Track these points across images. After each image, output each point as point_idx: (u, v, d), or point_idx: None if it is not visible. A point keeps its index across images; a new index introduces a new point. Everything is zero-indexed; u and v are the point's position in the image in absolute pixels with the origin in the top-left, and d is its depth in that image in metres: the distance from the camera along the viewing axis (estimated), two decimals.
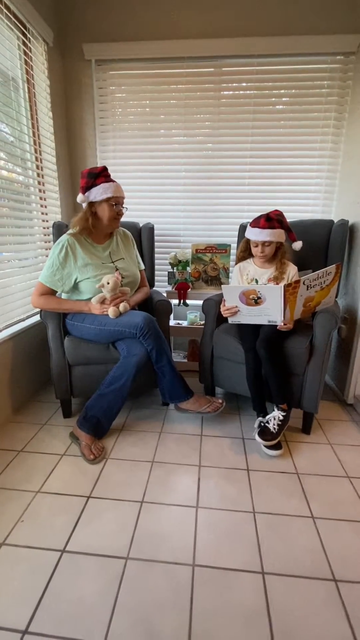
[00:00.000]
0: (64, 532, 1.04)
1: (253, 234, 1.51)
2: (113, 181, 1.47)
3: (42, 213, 1.96)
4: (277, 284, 1.52)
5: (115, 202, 1.48)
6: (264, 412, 1.48)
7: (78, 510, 1.12)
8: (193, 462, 1.36)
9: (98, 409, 1.42)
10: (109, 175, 1.48)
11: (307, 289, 1.35)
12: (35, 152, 1.87)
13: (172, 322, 2.17)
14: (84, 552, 0.98)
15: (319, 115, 2.02)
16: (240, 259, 1.65)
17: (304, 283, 1.31)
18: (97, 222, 1.50)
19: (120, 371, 1.41)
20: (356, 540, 1.02)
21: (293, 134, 2.06)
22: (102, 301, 1.47)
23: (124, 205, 1.53)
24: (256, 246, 1.52)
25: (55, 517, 1.09)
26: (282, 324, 1.38)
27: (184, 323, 2.24)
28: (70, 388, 1.59)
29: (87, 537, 1.02)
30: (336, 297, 1.62)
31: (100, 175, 1.45)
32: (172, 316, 1.93)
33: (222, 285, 1.51)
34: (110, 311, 1.43)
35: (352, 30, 1.86)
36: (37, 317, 1.85)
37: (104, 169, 1.47)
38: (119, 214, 1.52)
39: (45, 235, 1.97)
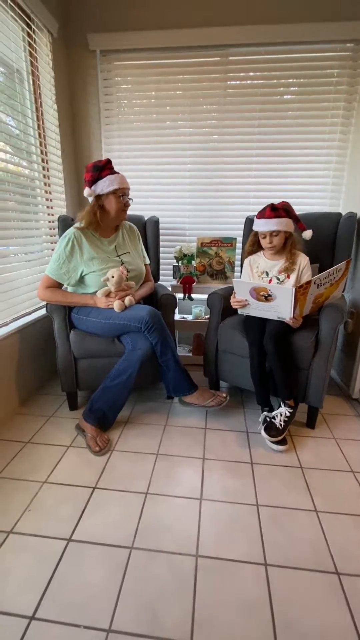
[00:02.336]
0: (70, 521, 1.06)
1: (260, 225, 1.49)
2: (118, 173, 1.46)
3: (48, 207, 1.95)
4: (288, 276, 1.51)
5: (122, 194, 1.47)
6: (268, 406, 1.48)
7: (84, 501, 1.13)
8: (197, 454, 1.37)
9: (103, 401, 1.43)
10: (113, 168, 1.47)
11: (318, 287, 1.34)
12: (41, 145, 1.86)
13: (177, 316, 2.17)
14: (90, 541, 0.99)
15: (328, 105, 1.97)
16: (250, 252, 1.63)
17: (314, 282, 1.30)
18: (104, 215, 1.50)
19: (125, 365, 1.42)
20: (359, 533, 1.02)
21: (301, 125, 2.01)
22: (108, 294, 1.47)
23: (129, 197, 1.52)
24: (264, 237, 1.50)
25: (62, 506, 1.11)
26: (292, 320, 1.38)
27: (189, 317, 2.23)
28: (76, 381, 1.60)
29: (92, 526, 1.04)
30: (343, 290, 1.60)
31: (105, 167, 1.44)
32: (177, 310, 1.93)
33: (233, 280, 1.50)
34: (116, 305, 1.43)
35: None
36: (43, 311, 1.87)
37: (108, 161, 1.46)
38: (126, 205, 1.51)
39: (50, 229, 1.97)
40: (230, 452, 1.38)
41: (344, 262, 1.34)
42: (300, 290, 1.30)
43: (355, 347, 1.80)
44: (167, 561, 0.93)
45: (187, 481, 1.23)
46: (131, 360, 1.41)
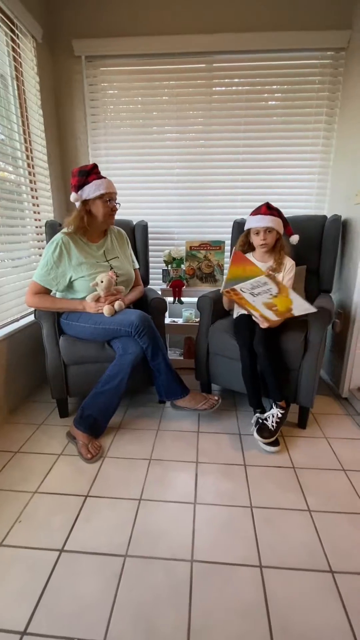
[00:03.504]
0: (62, 531, 1.03)
1: (255, 221, 1.51)
2: (104, 177, 1.46)
3: (35, 212, 1.94)
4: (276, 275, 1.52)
5: (109, 198, 1.47)
6: (260, 408, 1.48)
7: (76, 510, 1.11)
8: (190, 458, 1.37)
9: (94, 408, 1.42)
10: (100, 172, 1.47)
11: (254, 296, 1.34)
12: (26, 150, 1.85)
13: (167, 320, 2.17)
14: (83, 551, 0.97)
15: (311, 110, 2.02)
16: None
17: (241, 290, 1.34)
18: (92, 220, 1.49)
19: (116, 370, 1.41)
20: (352, 531, 1.03)
21: (285, 130, 2.05)
22: (97, 299, 1.46)
23: (117, 201, 1.52)
24: (257, 234, 1.53)
25: (53, 516, 1.09)
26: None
27: (179, 321, 2.23)
28: (66, 387, 1.58)
29: (85, 536, 1.02)
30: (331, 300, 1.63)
31: (92, 172, 1.44)
32: (167, 314, 1.93)
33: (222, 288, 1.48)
34: (106, 309, 1.43)
35: (342, 26, 1.85)
36: (31, 317, 1.84)
37: (94, 166, 1.46)
38: (114, 209, 1.51)
39: (38, 234, 1.95)
40: (224, 455, 1.38)
41: (263, 275, 1.28)
42: (232, 293, 1.36)
43: (344, 347, 1.84)
44: (162, 568, 0.92)
45: (181, 486, 1.22)
46: (122, 365, 1.40)
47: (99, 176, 1.45)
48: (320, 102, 2.00)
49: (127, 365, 1.40)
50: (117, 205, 1.52)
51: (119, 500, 1.15)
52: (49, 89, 2.01)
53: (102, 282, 1.44)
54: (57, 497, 1.17)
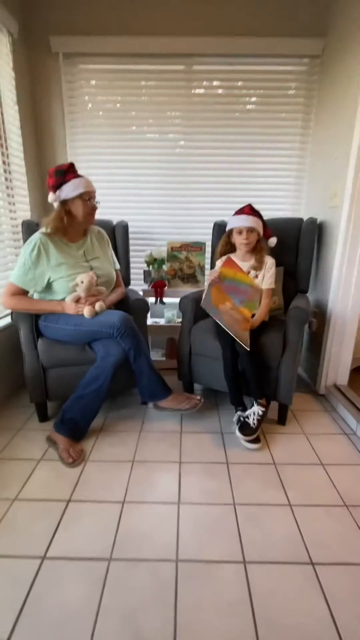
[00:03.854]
0: (44, 538, 1.01)
1: (238, 221, 1.56)
2: (82, 176, 1.44)
3: (10, 211, 1.88)
4: (257, 276, 1.60)
5: (89, 197, 1.45)
6: (241, 406, 1.51)
7: (58, 515, 1.09)
8: (174, 459, 1.37)
9: (76, 411, 1.39)
10: (77, 171, 1.45)
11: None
12: (1, 147, 1.79)
13: (149, 321, 2.16)
14: (66, 557, 0.96)
15: (288, 115, 2.07)
16: (222, 253, 1.68)
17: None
18: (72, 220, 1.46)
19: (97, 372, 1.39)
20: (330, 523, 1.07)
21: (263, 134, 2.10)
22: (77, 300, 1.44)
23: (96, 200, 1.50)
24: (240, 233, 1.56)
25: (34, 524, 1.06)
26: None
27: (162, 321, 2.23)
28: (45, 391, 1.55)
29: (68, 541, 1.00)
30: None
31: (69, 171, 1.42)
32: (149, 315, 1.93)
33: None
34: (86, 310, 1.40)
35: (317, 34, 1.92)
36: (8, 319, 1.78)
37: (71, 165, 1.43)
38: (94, 208, 1.49)
39: (14, 234, 1.90)
40: (206, 454, 1.40)
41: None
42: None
43: (320, 345, 1.90)
44: (147, 569, 0.92)
45: (165, 486, 1.22)
46: (104, 367, 1.39)
47: (76, 175, 1.42)
48: (296, 108, 2.06)
49: (109, 368, 1.38)
50: (97, 204, 1.50)
51: (102, 504, 1.14)
52: (26, 85, 1.96)
53: (82, 282, 1.42)
54: (37, 504, 1.14)
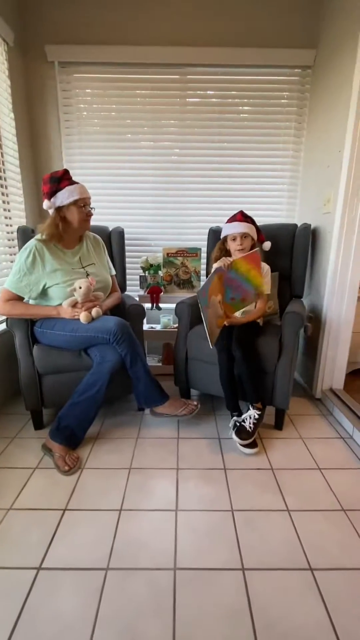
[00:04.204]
0: (40, 548, 1.00)
1: (231, 228, 1.57)
2: (77, 183, 1.44)
3: (6, 217, 1.88)
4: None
5: (84, 204, 1.45)
6: (237, 411, 1.51)
7: (54, 525, 1.08)
8: (171, 465, 1.36)
9: (71, 418, 1.38)
10: (72, 178, 1.45)
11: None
12: None
13: (145, 326, 2.16)
14: (62, 567, 0.94)
15: (280, 124, 2.11)
16: (217, 259, 1.67)
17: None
18: (67, 227, 1.47)
19: (93, 378, 1.38)
20: (328, 528, 1.07)
21: (257, 142, 2.13)
22: (74, 305, 1.44)
23: (91, 206, 1.51)
24: (234, 240, 1.57)
25: (30, 533, 1.04)
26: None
27: (158, 327, 2.23)
28: (40, 398, 1.53)
29: (64, 551, 0.99)
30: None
31: (63, 178, 1.42)
32: (145, 320, 1.92)
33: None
34: (82, 316, 1.40)
35: (309, 46, 1.97)
36: (3, 326, 1.77)
37: (66, 172, 1.44)
38: (89, 214, 1.49)
39: (9, 240, 1.89)
40: (204, 460, 1.39)
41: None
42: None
43: (315, 349, 1.91)
44: (145, 578, 0.91)
45: (162, 493, 1.21)
46: (100, 373, 1.38)
47: (71, 182, 1.43)
48: (289, 117, 2.10)
49: (105, 374, 1.38)
50: (92, 210, 1.51)
51: (99, 512, 1.13)
52: (21, 92, 1.98)
53: (80, 287, 1.42)
54: (33, 513, 1.12)
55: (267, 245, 1.66)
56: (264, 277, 1.59)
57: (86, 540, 1.02)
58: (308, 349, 2.04)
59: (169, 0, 1.92)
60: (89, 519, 1.10)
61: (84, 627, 0.80)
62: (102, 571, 0.93)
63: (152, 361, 2.27)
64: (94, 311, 1.43)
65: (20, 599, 0.86)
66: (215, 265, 1.56)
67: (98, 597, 0.86)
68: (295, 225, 1.93)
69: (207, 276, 1.73)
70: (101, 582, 0.90)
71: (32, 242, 1.44)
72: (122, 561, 0.96)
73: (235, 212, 1.62)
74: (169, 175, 2.18)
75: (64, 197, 1.40)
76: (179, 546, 1.00)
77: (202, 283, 2.11)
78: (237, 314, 1.56)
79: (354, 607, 0.84)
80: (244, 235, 1.56)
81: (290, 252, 1.90)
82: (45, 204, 1.42)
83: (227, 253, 1.65)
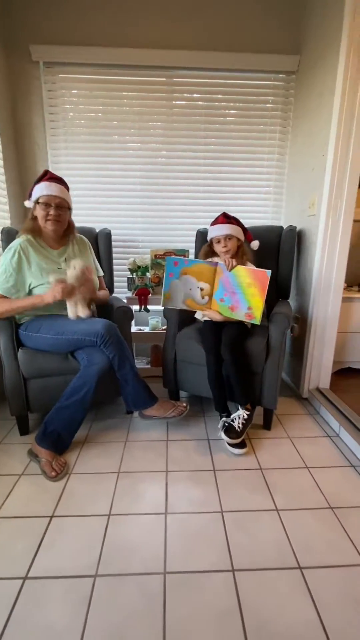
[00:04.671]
0: (26, 557, 0.97)
1: (215, 230, 1.57)
2: (52, 181, 1.41)
3: None
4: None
5: (45, 202, 1.40)
6: (226, 412, 1.51)
7: (40, 532, 1.05)
8: (160, 468, 1.35)
9: (58, 422, 1.36)
10: (53, 177, 1.44)
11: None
12: None
13: (133, 328, 2.15)
14: (49, 575, 0.92)
15: (265, 128, 2.14)
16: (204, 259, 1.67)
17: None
18: (39, 226, 1.46)
19: (81, 381, 1.36)
20: (317, 526, 1.08)
21: (243, 144, 2.15)
22: (68, 294, 1.36)
23: (70, 207, 1.48)
24: (218, 242, 1.57)
25: (15, 542, 1.02)
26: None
27: (146, 329, 2.22)
28: (26, 403, 1.50)
29: (51, 559, 0.97)
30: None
31: (42, 177, 1.43)
32: (133, 322, 1.91)
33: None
34: (70, 311, 1.38)
35: (293, 52, 2.00)
36: None
37: (46, 172, 1.44)
38: (49, 215, 1.41)
39: None
40: (193, 462, 1.39)
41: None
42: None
43: (302, 350, 1.94)
44: (135, 583, 0.90)
45: (151, 497, 1.20)
46: (87, 377, 1.36)
47: (48, 180, 1.42)
48: (274, 121, 2.13)
49: (93, 377, 1.36)
50: (53, 210, 1.40)
51: (87, 518, 1.11)
52: (5, 92, 1.94)
53: (74, 268, 1.36)
54: (19, 521, 1.09)
55: (255, 244, 1.66)
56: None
57: (74, 547, 1.00)
58: (295, 349, 2.07)
59: (156, 3, 1.93)
60: (76, 525, 1.08)
61: (72, 636, 0.78)
62: (91, 578, 0.91)
63: (141, 363, 2.26)
64: (80, 309, 1.39)
65: (6, 611, 0.83)
66: (216, 259, 1.57)
67: (86, 606, 0.85)
68: (281, 227, 1.95)
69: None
70: (90, 589, 0.89)
71: (16, 242, 1.42)
72: (111, 567, 0.94)
73: (219, 214, 1.62)
74: (156, 177, 2.18)
75: (34, 194, 1.41)
76: (169, 550, 1.00)
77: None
78: (218, 316, 1.53)
79: (343, 604, 0.85)
80: (228, 237, 1.56)
81: (276, 254, 1.92)
82: (26, 202, 1.45)
83: (214, 255, 1.66)
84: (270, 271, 1.39)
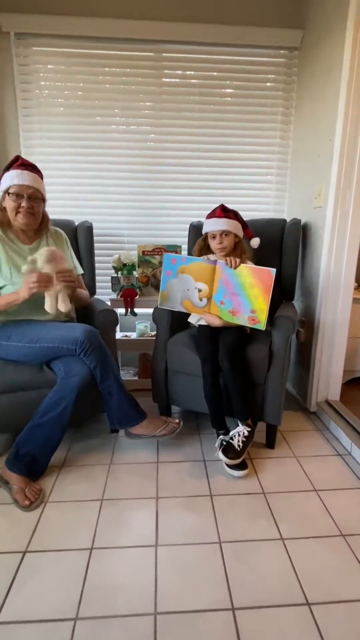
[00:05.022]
0: None
1: (210, 225, 1.59)
2: (25, 169, 1.42)
3: None
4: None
5: (16, 193, 1.40)
6: (224, 429, 1.53)
7: (12, 571, 1.04)
8: (149, 494, 1.35)
9: (32, 443, 1.35)
10: (25, 164, 1.45)
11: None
12: None
13: (118, 335, 2.15)
14: (22, 620, 0.91)
15: (266, 109, 2.19)
16: (199, 256, 1.68)
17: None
18: (8, 218, 1.46)
19: (58, 396, 1.36)
20: (326, 556, 1.09)
21: (241, 128, 2.20)
22: (43, 282, 1.34)
23: (44, 199, 1.49)
24: (214, 237, 1.59)
25: None
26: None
27: (133, 335, 2.23)
28: None
29: (24, 601, 0.96)
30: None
31: (14, 164, 1.43)
32: (118, 328, 1.91)
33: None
34: (47, 304, 1.37)
35: (295, 25, 2.06)
36: None
37: (17, 158, 1.45)
38: (20, 207, 1.42)
39: None
40: (187, 486, 1.39)
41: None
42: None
43: (309, 357, 1.97)
44: (121, 626, 0.90)
45: (140, 527, 1.20)
46: (65, 390, 1.36)
47: (19, 167, 1.42)
48: (275, 102, 2.18)
49: (72, 390, 1.36)
50: (25, 202, 1.41)
51: (66, 553, 1.10)
52: None
53: (41, 254, 1.34)
54: None
55: (255, 242, 1.68)
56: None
57: (51, 587, 0.99)
58: (301, 356, 2.10)
59: None
60: (54, 561, 1.07)
61: None
62: (70, 622, 0.91)
63: (127, 375, 2.26)
64: (60, 301, 1.38)
65: None
66: (212, 257, 1.59)
67: None
68: (284, 220, 1.99)
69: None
70: (69, 635, 0.88)
71: None
72: (94, 609, 0.94)
73: (216, 205, 1.64)
74: (144, 163, 2.20)
75: (3, 183, 1.42)
76: (160, 587, 0.99)
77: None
78: (217, 321, 1.55)
79: None
80: (225, 233, 1.58)
81: (279, 250, 1.95)
82: None
83: (209, 250, 1.68)
84: (274, 270, 1.41)
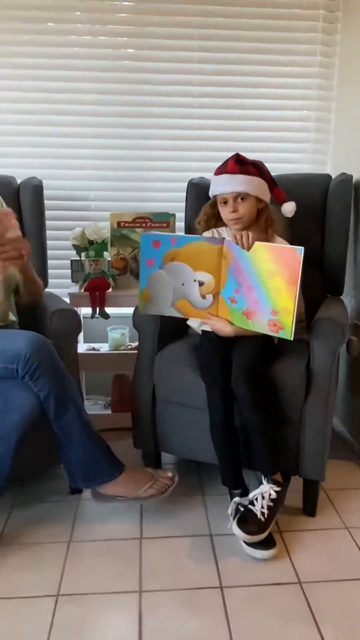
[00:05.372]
0: None
1: (219, 184, 1.58)
2: None
3: None
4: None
5: None
6: (241, 488, 1.52)
7: None
8: (129, 586, 1.34)
9: None
10: None
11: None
12: None
13: (81, 347, 2.15)
14: None
15: (300, 13, 2.17)
16: (205, 229, 1.68)
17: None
18: None
19: None
20: None
21: (264, 40, 2.19)
22: None
23: None
24: (225, 203, 1.58)
25: None
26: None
27: (103, 347, 2.22)
28: None
29: None
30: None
31: None
32: (81, 337, 1.91)
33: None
34: None
35: None
36: None
37: None
38: None
39: None
40: (186, 574, 1.39)
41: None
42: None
43: None
44: None
45: (113, 634, 1.19)
46: (2, 430, 1.36)
47: None
48: (312, 2, 2.18)
49: (12, 431, 1.36)
50: None
51: None
52: None
53: None
54: None
55: (288, 208, 1.67)
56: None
57: None
58: (354, 378, 2.10)
59: None
60: None
61: None
62: None
63: (95, 407, 2.25)
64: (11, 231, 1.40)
65: None
66: (224, 232, 1.59)
67: None
68: (329, 176, 2.01)
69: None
70: None
71: None
72: None
73: (229, 155, 1.63)
74: (120, 92, 2.21)
75: None
76: None
77: None
78: (228, 328, 1.55)
79: None
80: (241, 196, 1.57)
81: (321, 220, 1.96)
82: None
83: (220, 221, 1.67)
84: (302, 248, 1.35)
